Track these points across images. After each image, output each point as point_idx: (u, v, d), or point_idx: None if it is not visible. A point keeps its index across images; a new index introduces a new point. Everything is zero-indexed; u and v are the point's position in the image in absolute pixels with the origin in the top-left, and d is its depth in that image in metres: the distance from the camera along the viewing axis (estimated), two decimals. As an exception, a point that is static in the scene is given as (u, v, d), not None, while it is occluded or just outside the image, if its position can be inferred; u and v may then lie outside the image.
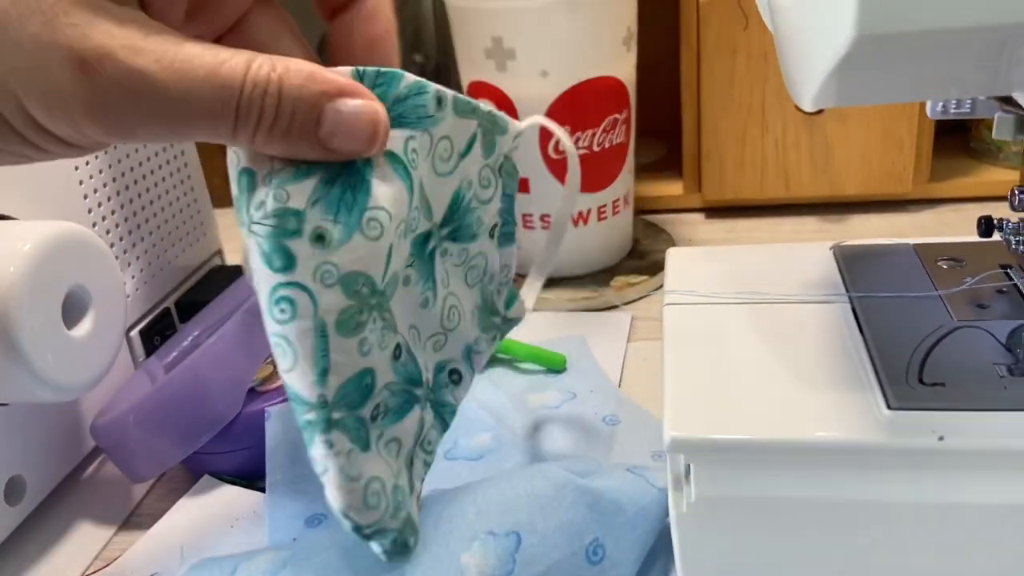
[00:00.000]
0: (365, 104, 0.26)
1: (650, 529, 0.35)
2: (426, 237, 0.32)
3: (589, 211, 0.63)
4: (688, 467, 0.31)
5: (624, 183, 0.65)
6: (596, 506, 0.34)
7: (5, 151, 0.25)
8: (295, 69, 0.25)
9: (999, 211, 0.36)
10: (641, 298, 0.63)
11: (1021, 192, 0.34)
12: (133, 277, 0.54)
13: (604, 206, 0.64)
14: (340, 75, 0.26)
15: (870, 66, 0.25)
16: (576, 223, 0.63)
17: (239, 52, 0.24)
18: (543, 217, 0.63)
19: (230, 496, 0.46)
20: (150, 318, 0.55)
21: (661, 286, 0.52)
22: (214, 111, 0.24)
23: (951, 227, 0.68)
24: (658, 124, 0.82)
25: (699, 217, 0.76)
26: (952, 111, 0.35)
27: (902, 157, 0.68)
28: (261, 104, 0.24)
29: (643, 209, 0.76)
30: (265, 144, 0.25)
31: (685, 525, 0.31)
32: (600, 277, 0.65)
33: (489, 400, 0.51)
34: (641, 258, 0.68)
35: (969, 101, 0.35)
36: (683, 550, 0.32)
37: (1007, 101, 0.29)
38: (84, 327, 0.42)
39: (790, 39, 0.28)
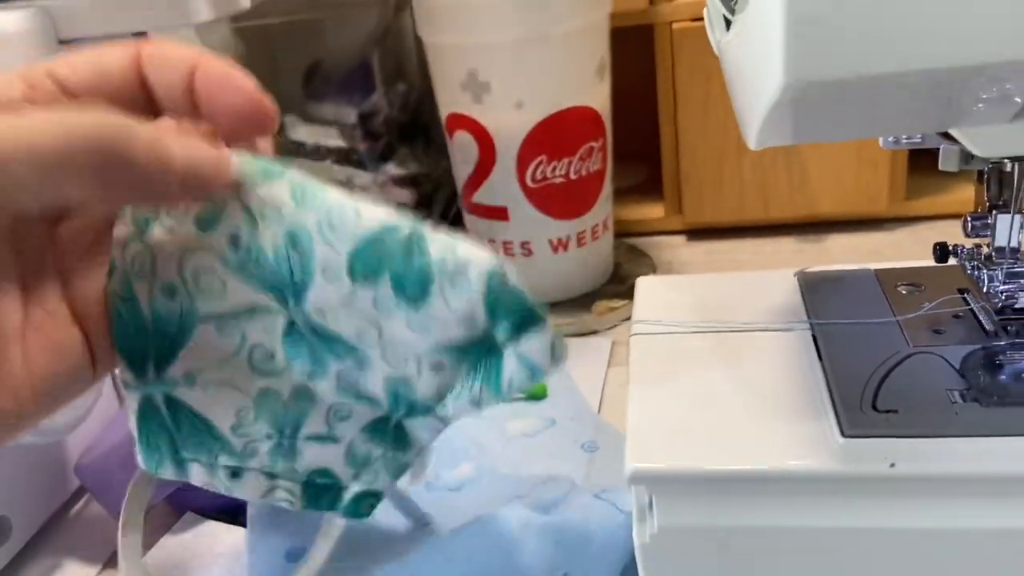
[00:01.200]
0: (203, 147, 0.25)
1: (619, 555, 0.36)
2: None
3: (569, 237, 0.64)
4: (651, 498, 0.31)
5: (603, 209, 0.66)
6: (562, 541, 0.35)
7: None
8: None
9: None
10: (622, 322, 0.64)
11: (974, 219, 0.35)
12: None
13: (583, 232, 0.65)
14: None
15: (806, 108, 0.26)
16: (556, 249, 0.64)
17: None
18: (523, 244, 0.64)
19: (212, 532, 0.47)
20: (135, 355, 0.56)
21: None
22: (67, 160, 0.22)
23: (927, 245, 0.67)
24: (639, 148, 0.83)
25: (681, 239, 0.76)
26: (904, 141, 0.36)
27: (877, 177, 0.69)
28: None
29: (625, 232, 0.77)
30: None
31: (649, 555, 0.31)
32: (581, 302, 0.66)
33: (470, 428, 0.51)
34: (622, 282, 0.68)
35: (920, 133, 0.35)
36: (648, 579, 0.32)
37: (947, 136, 0.30)
38: (65, 369, 0.43)
39: (733, 81, 0.29)
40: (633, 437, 0.32)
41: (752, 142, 0.28)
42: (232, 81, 0.27)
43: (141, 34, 0.54)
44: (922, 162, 0.75)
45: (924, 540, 0.29)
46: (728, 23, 0.29)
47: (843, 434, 0.30)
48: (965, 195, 0.70)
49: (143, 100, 0.27)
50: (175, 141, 0.24)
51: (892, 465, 0.28)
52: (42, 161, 0.22)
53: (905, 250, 0.68)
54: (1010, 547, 0.28)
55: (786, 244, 0.72)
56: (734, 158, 0.71)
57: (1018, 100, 0.25)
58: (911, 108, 0.26)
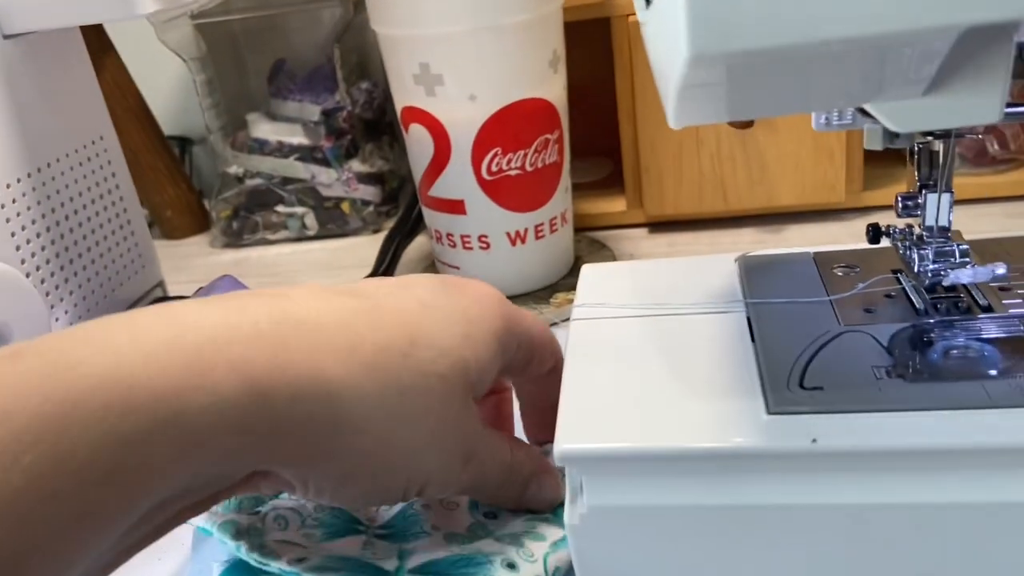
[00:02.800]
0: (555, 484, 0.37)
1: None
2: None
3: (526, 230, 0.64)
4: (581, 479, 0.31)
5: (561, 201, 0.66)
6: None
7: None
8: (528, 461, 0.37)
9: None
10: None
11: (904, 199, 0.36)
12: (67, 312, 0.54)
13: (541, 224, 0.65)
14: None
15: (717, 85, 0.26)
16: (514, 242, 0.64)
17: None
18: (480, 237, 0.64)
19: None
20: (87, 352, 0.55)
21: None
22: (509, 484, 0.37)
23: (885, 234, 0.69)
24: (604, 142, 0.83)
25: (642, 232, 0.77)
26: (836, 123, 0.36)
27: (833, 167, 0.69)
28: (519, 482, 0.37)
29: (588, 226, 0.77)
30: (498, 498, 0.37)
31: (579, 536, 0.31)
32: (540, 295, 0.66)
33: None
34: (582, 275, 0.68)
35: (850, 112, 0.36)
36: (580, 562, 0.32)
37: (866, 113, 0.30)
38: (5, 363, 0.42)
39: (653, 61, 0.29)
40: (563, 419, 0.32)
41: (671, 120, 0.28)
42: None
43: (87, 26, 0.54)
44: (880, 152, 0.76)
45: (848, 515, 0.29)
46: (648, 1, 0.29)
47: (768, 411, 0.30)
48: (921, 185, 0.71)
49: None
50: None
51: (814, 440, 0.29)
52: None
53: (863, 240, 0.68)
54: (929, 520, 0.29)
55: (746, 235, 0.73)
56: (693, 151, 0.71)
57: (927, 72, 0.26)
58: (826, 83, 0.26)
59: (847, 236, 0.70)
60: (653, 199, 0.74)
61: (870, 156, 0.71)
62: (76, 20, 0.49)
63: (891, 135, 0.33)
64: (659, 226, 0.77)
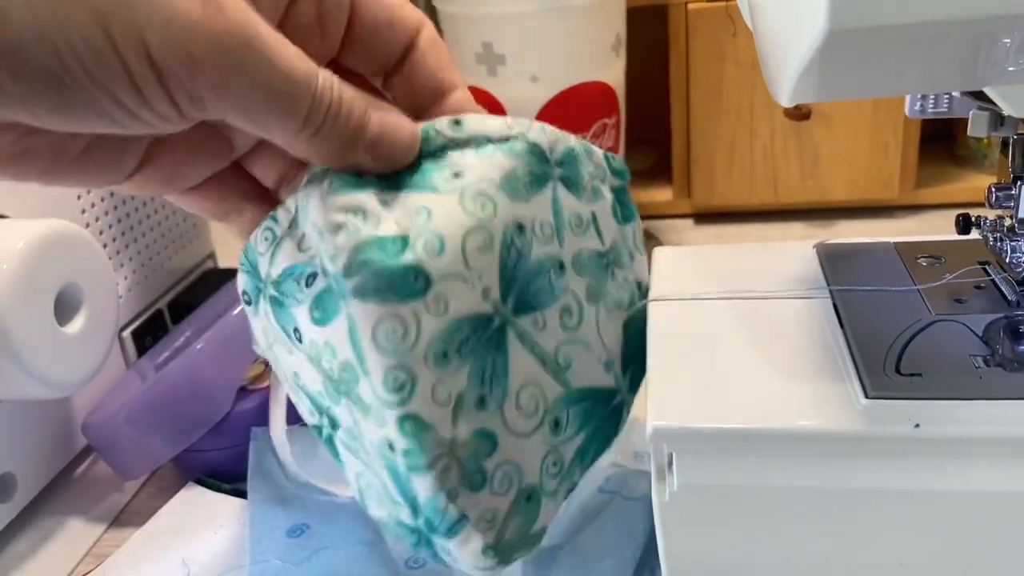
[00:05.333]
0: (404, 119, 0.28)
1: (636, 544, 0.36)
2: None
3: (579, 215, 0.64)
4: (671, 456, 0.31)
5: (614, 188, 0.65)
6: (579, 552, 0.35)
7: (104, 105, 0.23)
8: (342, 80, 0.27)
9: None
10: (630, 301, 0.64)
11: (998, 189, 0.35)
12: (126, 278, 0.54)
13: (594, 210, 0.64)
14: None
15: (844, 60, 0.26)
16: (566, 227, 0.64)
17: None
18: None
19: (214, 502, 0.47)
20: (142, 319, 0.56)
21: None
22: (298, 96, 0.25)
23: (937, 233, 0.68)
24: (648, 133, 0.83)
25: (688, 223, 0.76)
26: (930, 110, 0.36)
27: (888, 163, 0.69)
28: (329, 101, 0.26)
29: (633, 215, 0.77)
30: (323, 141, 0.26)
31: (667, 514, 0.31)
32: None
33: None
34: (631, 262, 0.68)
35: (946, 99, 0.35)
36: (666, 539, 0.32)
37: (980, 97, 0.30)
38: (77, 324, 0.42)
39: (768, 35, 0.29)
40: (655, 396, 0.32)
41: (785, 98, 0.28)
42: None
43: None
44: (933, 151, 0.75)
45: (945, 502, 0.29)
46: (765, -23, 0.28)
47: (867, 395, 0.30)
48: (976, 184, 0.70)
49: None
50: (377, 111, 0.27)
51: (917, 426, 0.28)
52: (260, 96, 0.24)
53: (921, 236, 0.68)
54: (1033, 509, 0.28)
55: (795, 229, 0.72)
56: (746, 142, 0.71)
57: (1057, 57, 0.25)
58: (945, 63, 0.26)
59: (898, 233, 0.69)
60: (702, 189, 0.74)
61: (925, 154, 0.71)
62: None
63: (996, 122, 0.32)
64: (705, 217, 0.76)
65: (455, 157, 0.29)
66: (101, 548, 0.45)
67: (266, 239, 0.30)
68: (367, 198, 0.27)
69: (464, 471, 0.28)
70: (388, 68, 0.30)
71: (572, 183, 0.33)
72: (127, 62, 0.22)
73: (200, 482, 0.48)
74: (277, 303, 0.30)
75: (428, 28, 0.30)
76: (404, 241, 0.27)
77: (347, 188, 0.27)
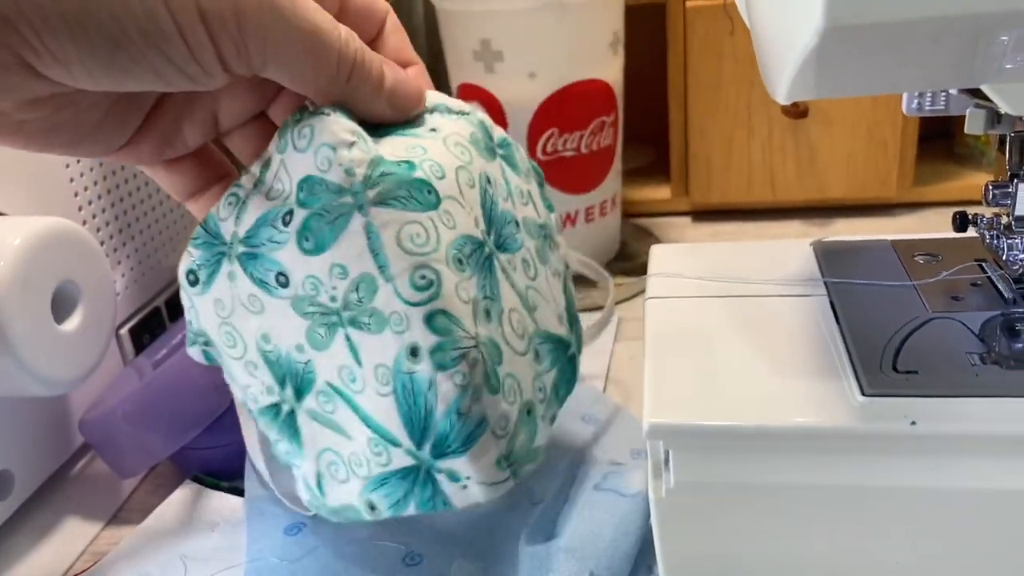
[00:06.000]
0: (407, 75, 0.32)
1: (632, 539, 0.36)
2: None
3: (577, 212, 0.64)
4: (667, 453, 0.31)
5: (612, 185, 0.65)
6: (575, 551, 0.35)
7: (155, 60, 0.25)
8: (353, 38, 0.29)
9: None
10: (629, 298, 0.64)
11: (995, 187, 0.35)
12: (123, 275, 0.54)
13: (592, 207, 0.64)
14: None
15: (841, 58, 0.26)
16: (565, 224, 0.64)
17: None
18: (531, 218, 0.64)
19: (212, 500, 0.46)
20: (140, 316, 0.55)
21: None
22: (329, 44, 0.28)
23: (935, 231, 0.68)
24: (646, 130, 0.83)
25: (686, 220, 0.76)
26: (927, 108, 0.36)
27: (886, 160, 0.69)
28: (355, 50, 0.29)
29: (631, 213, 0.77)
30: (354, 89, 0.29)
31: (664, 511, 0.31)
32: (588, 278, 0.65)
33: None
34: (629, 260, 0.68)
35: (944, 97, 0.35)
36: (662, 536, 0.32)
37: (977, 94, 0.30)
38: (74, 321, 0.42)
39: (764, 33, 0.29)
40: (651, 393, 0.32)
41: (782, 96, 0.28)
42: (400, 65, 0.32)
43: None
44: (932, 149, 0.75)
45: (941, 499, 0.29)
46: (761, -26, 0.28)
47: (863, 393, 0.30)
48: (975, 182, 0.70)
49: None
50: (387, 66, 0.31)
51: (913, 423, 0.28)
52: (297, 46, 0.27)
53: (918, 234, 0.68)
54: (1028, 507, 0.28)
55: (792, 227, 0.72)
56: (743, 140, 0.71)
57: (1054, 54, 0.25)
58: (942, 60, 0.26)
59: (896, 231, 0.69)
60: (700, 187, 0.74)
61: (923, 152, 0.71)
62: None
63: (993, 119, 0.32)
64: (703, 215, 0.76)
65: (427, 118, 0.32)
66: (98, 546, 0.45)
67: (230, 203, 0.31)
68: (365, 134, 0.30)
69: (486, 369, 0.29)
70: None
71: (511, 163, 0.35)
72: (179, 21, 0.24)
73: (198, 480, 0.48)
74: (250, 256, 0.31)
75: (392, 14, 0.34)
76: (410, 164, 0.29)
77: (349, 117, 0.30)
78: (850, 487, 0.30)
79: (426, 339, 0.28)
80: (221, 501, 0.46)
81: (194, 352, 0.34)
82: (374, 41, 0.33)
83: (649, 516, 0.33)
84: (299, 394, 0.32)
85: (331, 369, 0.30)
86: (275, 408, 0.33)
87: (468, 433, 0.29)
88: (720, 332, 0.35)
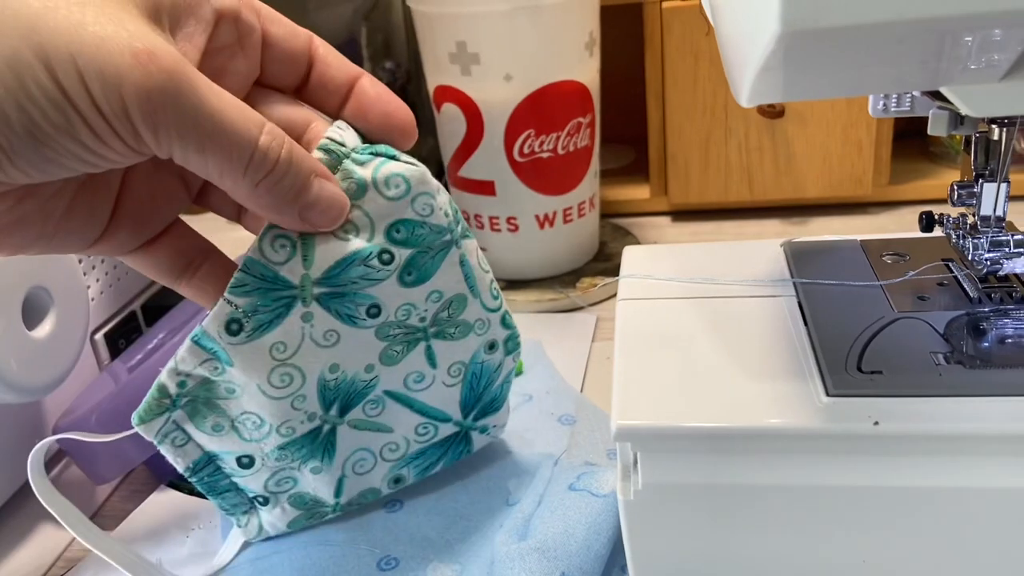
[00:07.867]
0: (340, 191, 0.31)
1: (604, 539, 0.36)
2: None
3: (555, 213, 0.64)
4: (636, 455, 0.31)
5: (590, 186, 0.66)
6: (548, 551, 0.35)
7: (69, 145, 0.25)
8: (295, 143, 0.29)
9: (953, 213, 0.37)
10: (607, 299, 0.64)
11: (960, 187, 0.36)
12: (98, 280, 0.54)
13: (570, 208, 0.64)
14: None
15: (801, 62, 0.26)
16: (542, 225, 0.64)
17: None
18: (509, 219, 0.64)
19: (186, 505, 0.46)
20: (115, 321, 0.55)
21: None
22: (239, 144, 0.27)
23: (910, 229, 0.68)
24: (626, 131, 0.83)
25: (666, 220, 0.77)
26: (893, 109, 0.36)
27: (862, 160, 0.69)
28: (277, 157, 0.28)
29: (611, 213, 0.77)
30: (263, 194, 0.29)
31: (633, 513, 0.31)
32: (566, 279, 0.66)
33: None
34: (607, 260, 0.69)
35: (909, 99, 0.36)
36: (631, 537, 0.32)
37: (939, 97, 0.30)
38: (45, 328, 0.42)
39: (727, 36, 0.29)
40: (619, 395, 0.32)
41: (744, 99, 0.28)
42: (390, 99, 0.33)
43: None
44: (907, 148, 0.76)
45: (905, 498, 0.29)
46: (723, -22, 0.29)
47: (828, 393, 0.30)
48: (948, 180, 0.71)
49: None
50: (319, 179, 0.30)
51: (876, 423, 0.29)
52: (203, 140, 0.26)
53: (888, 233, 0.69)
54: (990, 505, 0.29)
55: (770, 226, 0.73)
56: (721, 140, 0.71)
57: (1008, 56, 0.25)
58: (904, 63, 0.26)
59: (872, 230, 0.70)
60: (678, 187, 0.74)
61: (899, 151, 0.71)
62: None
63: (956, 121, 0.32)
64: (682, 215, 0.77)
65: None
66: (72, 552, 0.44)
67: (283, 247, 0.32)
68: None
69: None
70: (301, 79, 0.33)
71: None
72: (80, 110, 0.25)
73: (173, 485, 0.48)
74: (333, 296, 0.33)
75: (316, 37, 0.33)
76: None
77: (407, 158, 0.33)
78: (816, 487, 0.30)
79: (501, 334, 0.39)
80: (196, 506, 0.46)
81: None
82: (311, 68, 0.32)
83: None
84: (345, 411, 0.37)
85: (396, 379, 0.37)
86: (313, 433, 0.37)
87: (507, 393, 0.41)
88: (690, 333, 0.35)
